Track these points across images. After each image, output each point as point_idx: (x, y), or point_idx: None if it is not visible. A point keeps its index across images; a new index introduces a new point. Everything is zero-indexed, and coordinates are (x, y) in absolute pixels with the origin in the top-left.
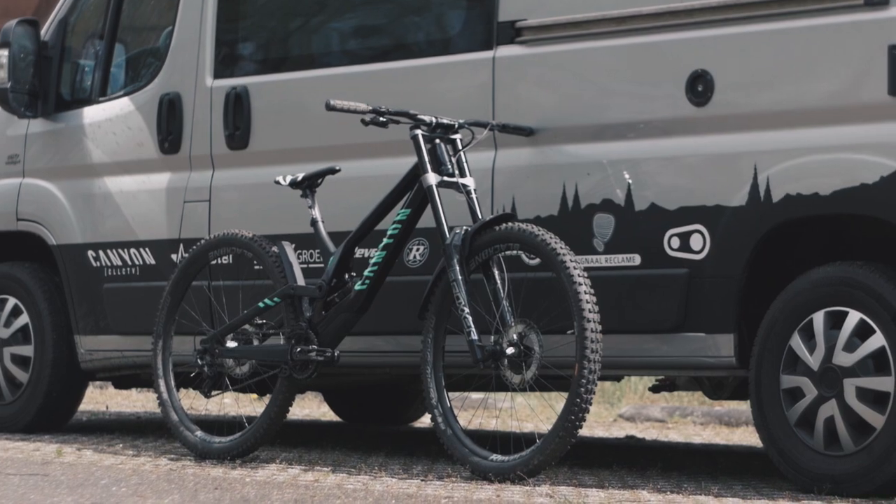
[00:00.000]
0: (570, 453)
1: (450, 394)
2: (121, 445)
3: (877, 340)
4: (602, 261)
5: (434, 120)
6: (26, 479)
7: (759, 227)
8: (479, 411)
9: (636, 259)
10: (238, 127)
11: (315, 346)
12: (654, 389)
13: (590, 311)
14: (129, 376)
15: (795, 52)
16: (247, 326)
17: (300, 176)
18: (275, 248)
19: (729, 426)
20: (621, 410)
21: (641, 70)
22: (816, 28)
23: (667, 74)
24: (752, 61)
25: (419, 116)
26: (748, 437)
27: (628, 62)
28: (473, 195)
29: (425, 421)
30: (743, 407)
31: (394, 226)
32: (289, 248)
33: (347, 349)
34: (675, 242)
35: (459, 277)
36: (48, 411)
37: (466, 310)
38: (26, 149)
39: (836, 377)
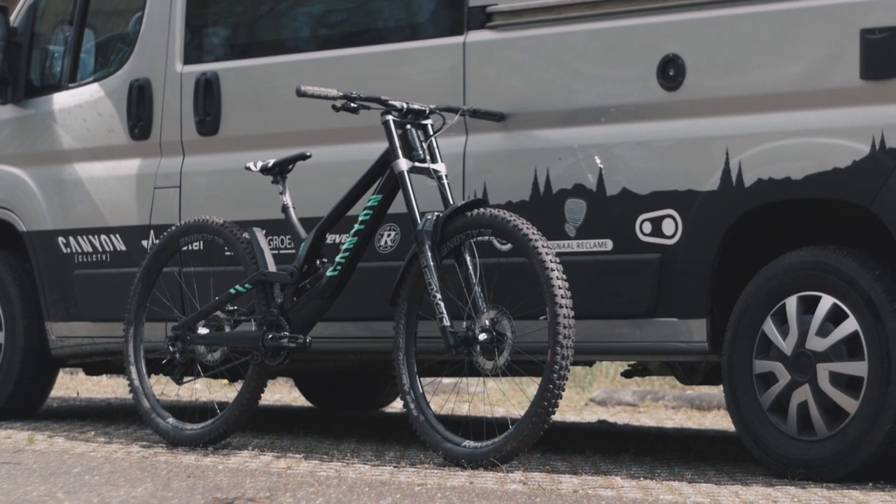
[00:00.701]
0: (543, 439)
1: (422, 379)
2: (92, 432)
3: (850, 325)
4: (574, 246)
5: (405, 105)
6: None
7: (731, 211)
8: (451, 396)
9: (608, 244)
10: (208, 113)
11: (287, 333)
12: (627, 374)
13: (562, 297)
14: (99, 363)
15: (767, 35)
16: (218, 313)
17: (271, 162)
18: (246, 235)
19: (700, 410)
20: (593, 394)
21: (612, 54)
22: (789, 12)
23: (638, 59)
24: (724, 45)
25: (390, 102)
26: (720, 420)
27: (599, 47)
28: (445, 181)
29: (396, 406)
30: (714, 391)
31: (365, 212)
32: (260, 235)
33: (319, 335)
34: (647, 227)
35: (431, 263)
36: (19, 398)
37: (438, 296)
38: None
39: (810, 362)
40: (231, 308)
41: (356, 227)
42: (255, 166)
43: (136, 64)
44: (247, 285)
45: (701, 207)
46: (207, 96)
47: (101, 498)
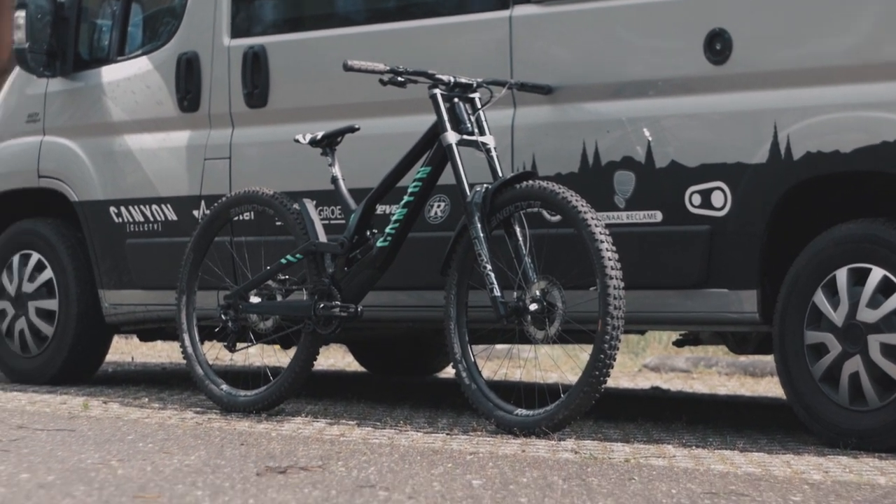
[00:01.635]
0: (595, 406)
1: (474, 347)
2: (146, 398)
3: None
4: (623, 217)
5: (452, 79)
6: (53, 434)
7: (780, 184)
8: (504, 362)
9: (658, 216)
10: (256, 86)
11: (338, 302)
12: (679, 343)
13: (612, 269)
14: (153, 329)
15: (814, 8)
16: (270, 282)
17: (320, 134)
18: (296, 206)
19: (754, 377)
20: (646, 360)
21: (659, 28)
22: None
23: (685, 32)
24: (771, 19)
25: (437, 76)
26: (773, 387)
27: (646, 20)
28: (493, 153)
29: (449, 371)
30: (767, 358)
31: (414, 183)
32: (310, 205)
33: (370, 304)
34: (697, 199)
35: (481, 235)
36: (73, 364)
37: (489, 266)
38: (46, 107)
39: (861, 333)
40: (282, 277)
41: (406, 198)
42: (304, 138)
43: (184, 37)
44: (298, 255)
45: (750, 180)
46: (255, 69)
47: (155, 466)
